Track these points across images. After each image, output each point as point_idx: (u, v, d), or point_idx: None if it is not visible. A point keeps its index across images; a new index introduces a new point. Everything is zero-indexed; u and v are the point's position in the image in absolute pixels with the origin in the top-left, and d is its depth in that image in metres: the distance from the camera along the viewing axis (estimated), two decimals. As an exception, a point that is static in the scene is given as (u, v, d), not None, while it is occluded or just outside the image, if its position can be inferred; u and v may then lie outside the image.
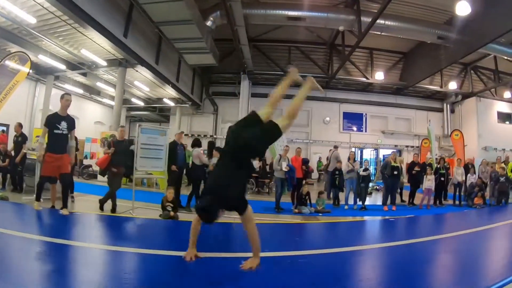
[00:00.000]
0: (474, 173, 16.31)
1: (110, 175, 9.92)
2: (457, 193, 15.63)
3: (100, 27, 13.49)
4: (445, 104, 28.70)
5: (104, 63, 17.81)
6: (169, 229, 8.10)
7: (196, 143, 11.96)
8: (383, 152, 28.75)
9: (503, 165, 16.78)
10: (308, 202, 12.04)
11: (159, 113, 28.42)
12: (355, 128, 28.34)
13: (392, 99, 28.19)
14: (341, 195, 13.98)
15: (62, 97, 8.30)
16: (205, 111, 27.16)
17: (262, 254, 4.80)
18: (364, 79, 25.23)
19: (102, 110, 26.60)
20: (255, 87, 26.03)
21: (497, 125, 27.83)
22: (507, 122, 28.66)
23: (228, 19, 16.96)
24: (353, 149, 23.53)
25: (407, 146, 28.17)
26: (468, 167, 16.60)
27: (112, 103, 25.08)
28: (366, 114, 28.27)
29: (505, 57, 22.24)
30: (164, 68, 19.64)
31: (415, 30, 19.56)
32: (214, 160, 11.22)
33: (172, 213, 9.17)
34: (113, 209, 9.73)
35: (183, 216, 9.79)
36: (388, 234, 9.03)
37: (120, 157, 9.94)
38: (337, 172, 14.00)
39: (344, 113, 28.03)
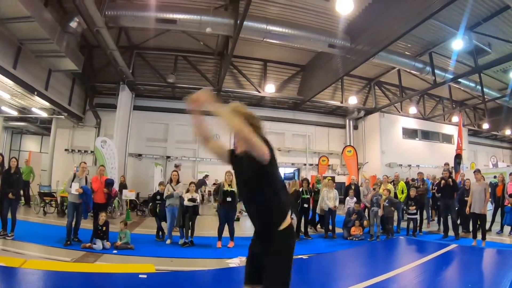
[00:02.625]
0: (355, 196, 14.37)
1: None
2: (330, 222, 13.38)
3: None
4: (347, 120, 27.98)
5: None
6: None
7: None
8: (283, 171, 27.67)
9: (390, 186, 14.88)
10: (105, 234, 9.78)
11: (40, 125, 26.15)
12: (247, 145, 26.36)
13: (290, 115, 27.01)
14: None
15: None
16: (87, 124, 24.66)
17: None
18: (256, 92, 23.82)
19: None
20: (139, 99, 24.32)
21: (402, 141, 27.39)
22: (417, 138, 28.40)
23: (84, 18, 15.12)
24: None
25: (305, 164, 26.74)
26: (350, 188, 14.77)
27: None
28: (261, 130, 26.46)
29: (408, 70, 21.82)
30: (26, 74, 17.39)
31: (303, 37, 18.25)
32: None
33: None
34: None
35: None
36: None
37: None
38: (158, 197, 11.84)
39: (236, 129, 26.04)
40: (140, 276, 7.12)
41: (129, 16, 16.96)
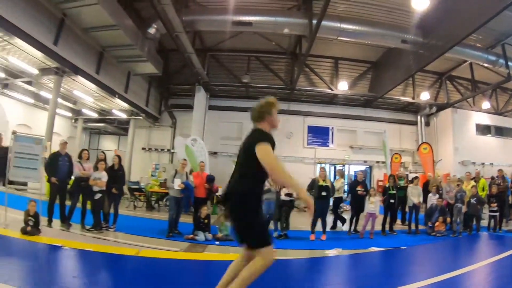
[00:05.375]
0: (438, 192, 14.15)
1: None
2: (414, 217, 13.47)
3: (24, 34, 12.60)
4: (419, 117, 27.23)
5: (36, 71, 16.59)
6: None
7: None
8: (353, 168, 27.60)
9: (473, 182, 14.73)
10: (206, 226, 10.31)
11: (117, 126, 27.44)
12: (320, 143, 26.63)
13: (362, 112, 26.84)
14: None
15: None
16: (163, 124, 26.05)
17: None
18: (328, 90, 23.92)
19: (57, 121, 25.50)
20: (213, 100, 25.15)
21: (475, 138, 26.35)
22: (489, 135, 27.39)
23: (164, 24, 15.91)
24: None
25: (377, 162, 26.48)
26: (427, 186, 14.79)
27: (68, 114, 24.34)
28: (333, 128, 26.72)
29: (481, 63, 21.02)
30: (108, 78, 18.61)
31: (376, 34, 18.20)
32: (96, 174, 10.19)
33: (29, 228, 8.40)
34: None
35: (51, 232, 9.13)
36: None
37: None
38: None
39: (308, 126, 26.47)
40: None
41: (206, 20, 17.70)
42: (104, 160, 10.78)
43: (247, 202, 4.16)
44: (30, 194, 13.38)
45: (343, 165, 25.68)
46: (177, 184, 10.67)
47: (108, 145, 30.13)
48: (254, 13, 17.39)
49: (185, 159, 12.53)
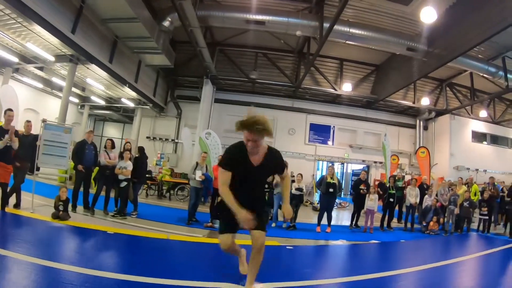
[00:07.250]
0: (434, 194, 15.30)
1: (14, 169, 9.33)
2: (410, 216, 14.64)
3: (44, 21, 12.95)
4: (418, 121, 27.89)
5: (52, 58, 16.96)
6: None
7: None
8: (352, 167, 28.22)
9: (464, 187, 15.97)
10: None
11: (123, 113, 27.79)
12: (321, 141, 27.27)
13: (363, 113, 27.36)
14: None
15: (4, 112, 8.95)
16: (168, 114, 26.55)
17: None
18: (332, 90, 24.48)
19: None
20: (220, 93, 25.63)
21: (471, 145, 27.08)
22: (485, 142, 28.01)
23: (180, 19, 16.31)
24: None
25: (375, 162, 27.20)
26: (423, 188, 15.49)
27: (75, 100, 24.68)
28: (334, 126, 27.34)
29: (481, 74, 21.65)
30: (120, 68, 18.98)
31: (383, 40, 18.74)
32: (122, 163, 10.71)
33: (61, 213, 8.86)
34: (17, 204, 9.54)
35: (77, 217, 9.53)
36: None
37: (25, 152, 9.55)
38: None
39: (311, 124, 27.04)
40: (287, 247, 8.89)
41: (219, 16, 18.06)
42: (130, 150, 11.28)
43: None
44: (41, 179, 13.74)
45: (342, 163, 26.31)
46: (198, 175, 11.27)
47: (113, 132, 30.58)
48: (267, 13, 17.82)
49: (205, 152, 13.16)
